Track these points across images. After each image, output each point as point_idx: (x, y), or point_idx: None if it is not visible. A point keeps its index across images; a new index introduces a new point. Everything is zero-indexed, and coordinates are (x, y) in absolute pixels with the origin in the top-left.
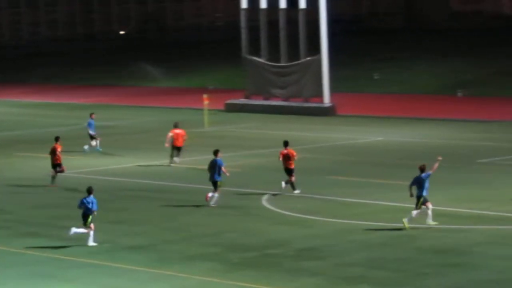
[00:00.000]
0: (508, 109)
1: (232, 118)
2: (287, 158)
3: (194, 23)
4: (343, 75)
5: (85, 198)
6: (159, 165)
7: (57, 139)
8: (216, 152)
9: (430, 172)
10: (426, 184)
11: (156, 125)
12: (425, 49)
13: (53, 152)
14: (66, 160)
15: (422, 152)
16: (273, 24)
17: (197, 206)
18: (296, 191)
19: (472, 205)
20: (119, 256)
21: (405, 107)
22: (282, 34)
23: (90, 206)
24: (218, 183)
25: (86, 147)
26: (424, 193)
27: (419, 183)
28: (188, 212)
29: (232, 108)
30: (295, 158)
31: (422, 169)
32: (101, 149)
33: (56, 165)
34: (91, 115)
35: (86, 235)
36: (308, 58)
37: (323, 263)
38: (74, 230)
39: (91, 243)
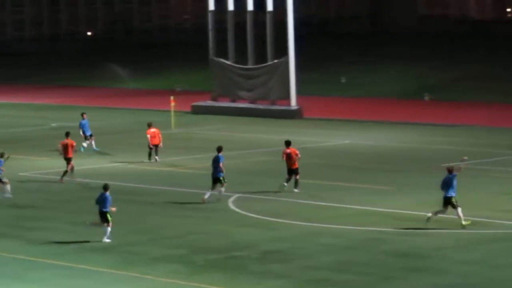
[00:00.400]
0: (474, 114)
1: (199, 120)
2: (290, 157)
3: (162, 25)
4: (310, 78)
5: (100, 194)
6: (126, 166)
7: (67, 134)
8: (219, 149)
9: (456, 173)
10: (454, 183)
11: (123, 127)
12: (392, 53)
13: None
14: (32, 162)
15: (388, 155)
16: (240, 26)
17: (163, 207)
18: (296, 190)
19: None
20: (85, 258)
21: (371, 111)
22: (249, 36)
23: (104, 203)
24: (221, 179)
25: (84, 144)
26: (453, 194)
27: (447, 184)
28: (154, 213)
29: (199, 110)
30: (299, 157)
31: (450, 171)
32: (98, 149)
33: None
34: (82, 115)
35: (103, 231)
36: (275, 61)
37: (289, 266)
38: (104, 238)
39: (106, 239)
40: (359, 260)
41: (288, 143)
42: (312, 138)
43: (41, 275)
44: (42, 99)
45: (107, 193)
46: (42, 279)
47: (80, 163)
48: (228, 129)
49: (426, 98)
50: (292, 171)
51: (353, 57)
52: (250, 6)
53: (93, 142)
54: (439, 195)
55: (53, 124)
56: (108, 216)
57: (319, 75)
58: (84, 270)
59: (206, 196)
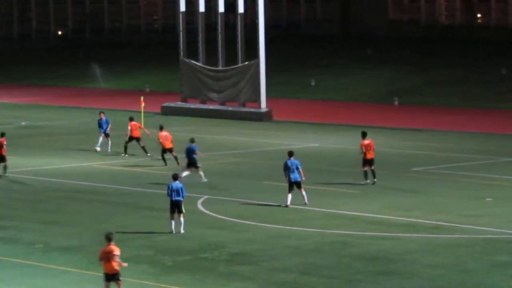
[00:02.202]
0: (443, 118)
1: (168, 121)
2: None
3: (132, 25)
4: (280, 80)
5: (171, 184)
6: (94, 166)
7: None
8: (192, 140)
9: None
10: None
11: (92, 126)
12: (361, 57)
13: None
14: None
15: (357, 159)
16: (211, 27)
17: (132, 208)
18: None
19: (406, 213)
20: (52, 257)
21: (341, 114)
22: (220, 38)
23: (179, 193)
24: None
25: (100, 142)
26: None
27: None
28: (122, 214)
29: (168, 111)
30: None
31: None
32: (110, 150)
33: None
34: (100, 114)
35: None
36: (246, 63)
37: (256, 268)
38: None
39: (182, 230)
40: (326, 263)
41: (364, 134)
42: (281, 141)
43: (8, 274)
44: (11, 98)
45: (177, 181)
46: (9, 278)
47: (47, 163)
48: (198, 131)
49: (396, 102)
50: (369, 162)
51: (323, 60)
52: (221, 8)
53: (109, 142)
54: (406, 199)
55: (23, 123)
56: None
57: (289, 77)
58: (51, 270)
59: (183, 175)
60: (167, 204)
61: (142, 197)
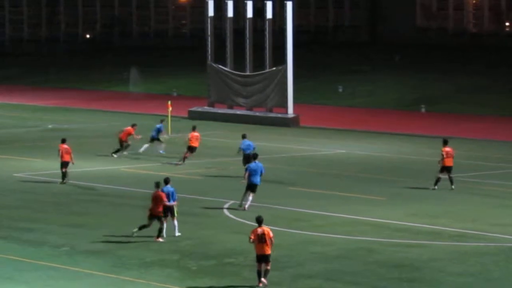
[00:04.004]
0: (469, 126)
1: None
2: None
3: (160, 29)
4: (307, 86)
5: (162, 189)
6: (122, 170)
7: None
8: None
9: None
10: None
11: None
12: (389, 63)
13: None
14: (25, 162)
15: (383, 166)
16: (239, 32)
17: None
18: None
19: (431, 221)
20: (77, 260)
21: (368, 121)
22: (248, 43)
23: (169, 197)
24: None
25: (161, 151)
26: None
27: None
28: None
29: (195, 116)
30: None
31: None
32: (163, 152)
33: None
34: (161, 121)
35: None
36: (273, 68)
37: (281, 274)
38: (177, 233)
39: (177, 233)
40: (351, 269)
41: (445, 142)
42: (307, 147)
43: (33, 277)
44: (38, 100)
45: (169, 185)
46: (34, 280)
47: (74, 166)
48: (224, 136)
49: (423, 109)
50: (448, 169)
51: (351, 67)
52: (249, 13)
53: (161, 146)
54: (432, 207)
55: (50, 126)
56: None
57: (317, 83)
58: (76, 273)
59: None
60: (191, 208)
61: None
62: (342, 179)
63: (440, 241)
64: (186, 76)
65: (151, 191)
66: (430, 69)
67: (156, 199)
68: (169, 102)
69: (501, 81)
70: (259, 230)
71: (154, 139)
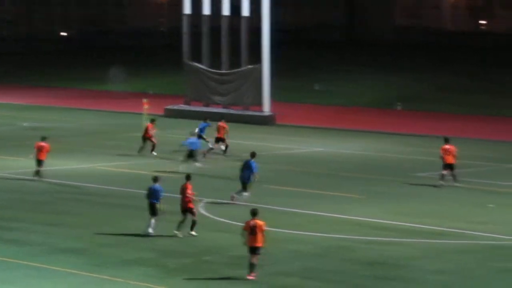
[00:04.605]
0: (447, 125)
1: (172, 124)
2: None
3: (136, 27)
4: (284, 85)
5: (149, 187)
6: (100, 168)
7: (153, 120)
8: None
9: None
10: None
11: (96, 128)
12: (367, 62)
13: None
14: (5, 161)
15: (360, 164)
16: (215, 31)
17: (137, 210)
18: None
19: (410, 219)
20: (56, 259)
21: (345, 119)
22: (224, 41)
23: (155, 195)
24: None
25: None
26: None
27: None
28: (128, 216)
29: (171, 114)
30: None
31: None
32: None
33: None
34: (205, 119)
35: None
36: (249, 66)
37: (259, 271)
38: (151, 231)
39: (150, 230)
40: (329, 267)
41: (446, 140)
42: (284, 145)
43: (12, 276)
44: (14, 99)
45: (157, 184)
46: (13, 279)
47: (53, 165)
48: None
49: (399, 107)
50: (450, 166)
51: (328, 65)
52: (225, 11)
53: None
54: (410, 204)
55: (25, 124)
56: (158, 207)
57: (294, 82)
58: (55, 272)
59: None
60: (171, 207)
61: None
62: (319, 177)
63: (418, 238)
64: (163, 74)
65: (129, 189)
66: (406, 67)
67: (183, 192)
68: (145, 100)
69: (479, 80)
70: (252, 222)
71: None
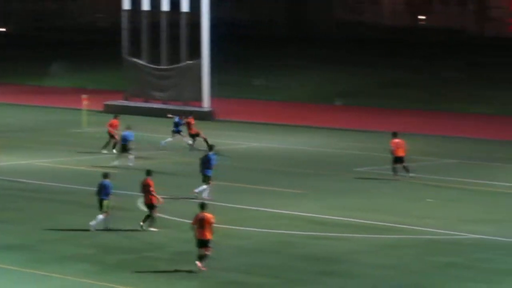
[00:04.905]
0: (385, 120)
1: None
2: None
3: (76, 23)
4: (224, 80)
5: (99, 182)
6: (39, 164)
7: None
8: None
9: None
10: None
11: (35, 124)
12: (307, 58)
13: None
14: None
15: (299, 159)
16: (155, 26)
17: (76, 206)
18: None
19: (349, 214)
20: None
21: (284, 114)
22: (164, 37)
23: (105, 191)
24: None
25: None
26: None
27: None
28: (66, 212)
29: (111, 109)
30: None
31: None
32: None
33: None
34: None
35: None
36: (189, 62)
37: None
38: (93, 224)
39: (93, 223)
40: (270, 263)
41: (395, 134)
42: (223, 140)
43: None
44: None
45: (107, 180)
46: None
47: None
48: (140, 129)
49: (338, 103)
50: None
51: (268, 61)
52: (165, 7)
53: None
54: (349, 200)
55: None
56: (106, 204)
57: (233, 77)
58: None
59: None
60: (113, 203)
61: (85, 196)
62: (259, 172)
63: (359, 233)
64: (102, 70)
65: (70, 185)
66: (347, 63)
67: (145, 188)
68: (85, 96)
69: (418, 75)
70: (200, 215)
71: (176, 132)
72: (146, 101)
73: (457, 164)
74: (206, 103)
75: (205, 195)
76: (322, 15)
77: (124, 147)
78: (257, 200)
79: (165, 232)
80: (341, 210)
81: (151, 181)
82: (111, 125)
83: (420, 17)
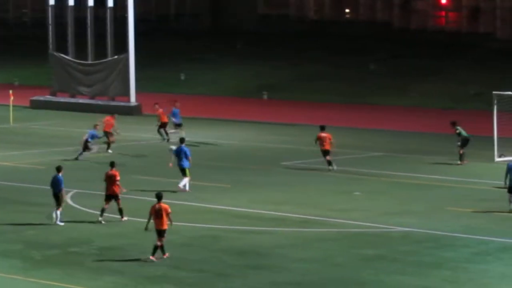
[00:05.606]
0: (311, 113)
1: (37, 115)
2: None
3: (0, 18)
4: (150, 75)
5: (54, 176)
6: None
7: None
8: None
9: None
10: None
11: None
12: (231, 51)
13: None
14: None
15: (226, 153)
16: (81, 21)
17: (2, 202)
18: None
19: (275, 207)
20: None
21: (210, 109)
22: (89, 31)
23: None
24: None
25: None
26: None
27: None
28: None
29: (37, 105)
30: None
31: None
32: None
33: None
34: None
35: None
36: (115, 57)
37: (126, 262)
38: (57, 220)
39: (59, 222)
40: (196, 257)
41: (322, 128)
42: (149, 135)
43: None
44: None
45: (60, 174)
46: None
47: None
48: (67, 125)
49: (265, 96)
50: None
51: (193, 55)
52: (90, 2)
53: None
54: (275, 193)
55: None
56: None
57: (159, 72)
58: None
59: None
60: (34, 197)
61: (11, 192)
62: None
63: (284, 227)
64: (28, 65)
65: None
66: (272, 56)
67: (110, 179)
68: (11, 92)
69: (344, 68)
70: (157, 206)
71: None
72: (73, 97)
73: (381, 157)
74: (133, 98)
75: (186, 187)
76: (246, 8)
77: (86, 145)
78: (183, 194)
79: (91, 227)
80: (267, 204)
81: (116, 172)
82: (107, 124)
83: (344, 10)
